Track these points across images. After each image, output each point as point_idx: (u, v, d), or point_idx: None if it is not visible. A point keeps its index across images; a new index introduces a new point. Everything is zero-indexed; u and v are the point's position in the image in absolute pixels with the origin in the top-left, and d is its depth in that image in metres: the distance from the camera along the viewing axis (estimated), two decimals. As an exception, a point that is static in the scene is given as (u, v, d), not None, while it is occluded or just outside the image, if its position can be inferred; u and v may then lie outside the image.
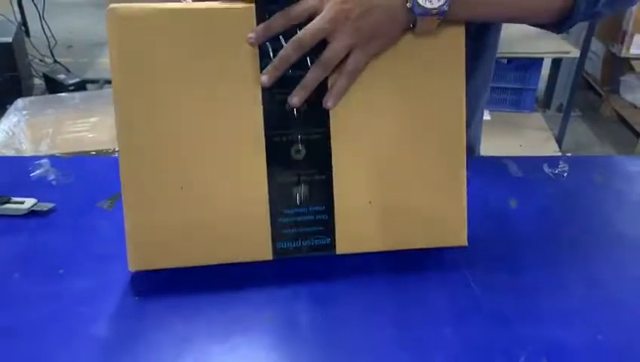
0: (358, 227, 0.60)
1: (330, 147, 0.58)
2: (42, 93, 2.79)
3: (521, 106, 2.61)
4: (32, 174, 0.77)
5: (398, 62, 0.57)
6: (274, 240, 0.59)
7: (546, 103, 2.87)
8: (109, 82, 2.87)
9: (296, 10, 0.54)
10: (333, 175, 0.58)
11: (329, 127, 0.57)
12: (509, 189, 0.74)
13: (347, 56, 0.55)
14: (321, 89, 0.56)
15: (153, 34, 0.54)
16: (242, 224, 0.58)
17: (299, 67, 0.55)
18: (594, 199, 0.74)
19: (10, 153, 1.48)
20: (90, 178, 0.77)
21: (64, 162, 0.79)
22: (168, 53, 0.54)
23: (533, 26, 0.64)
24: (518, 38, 2.54)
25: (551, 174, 0.78)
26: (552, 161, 0.80)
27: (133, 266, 0.58)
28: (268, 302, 0.56)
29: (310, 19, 0.54)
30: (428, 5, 0.53)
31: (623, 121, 2.76)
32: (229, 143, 0.56)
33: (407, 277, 0.59)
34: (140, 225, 0.57)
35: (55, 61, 3.07)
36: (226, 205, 0.58)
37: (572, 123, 2.56)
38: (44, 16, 3.05)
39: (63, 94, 2.03)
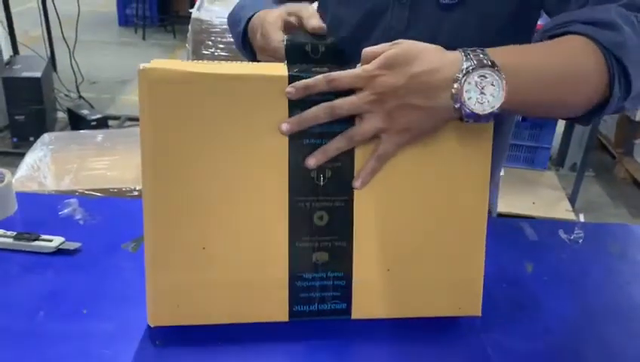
0: (375, 294, 0.60)
1: (352, 215, 0.58)
2: (65, 127, 2.86)
3: (535, 164, 2.63)
4: (60, 213, 0.79)
5: (427, 145, 0.58)
6: (291, 303, 0.59)
7: (559, 162, 2.88)
8: (130, 119, 2.94)
9: (342, 81, 0.55)
10: (354, 242, 0.59)
11: (353, 197, 0.58)
12: (525, 253, 0.75)
13: (378, 137, 0.56)
14: (347, 160, 0.57)
15: (184, 98, 0.54)
16: (261, 286, 0.59)
17: (326, 135, 0.56)
18: (609, 268, 0.75)
19: (34, 187, 1.51)
20: (116, 219, 0.79)
21: (92, 202, 0.82)
22: (198, 117, 0.55)
23: (565, 119, 0.65)
24: (533, 97, 2.58)
25: (567, 240, 0.79)
26: (568, 226, 0.82)
27: (152, 322, 0.59)
28: (283, 355, 0.57)
29: (351, 90, 0.55)
30: (478, 109, 0.53)
31: (637, 183, 2.76)
32: (253, 206, 0.57)
33: (422, 341, 0.60)
34: (160, 283, 0.58)
35: (80, 96, 3.15)
36: (247, 267, 0.58)
37: (585, 183, 2.57)
38: (74, 52, 3.16)
39: (87, 131, 2.09)
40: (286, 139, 0.56)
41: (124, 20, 4.79)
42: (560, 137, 2.86)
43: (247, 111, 0.55)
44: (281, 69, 0.56)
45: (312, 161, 0.56)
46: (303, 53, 0.59)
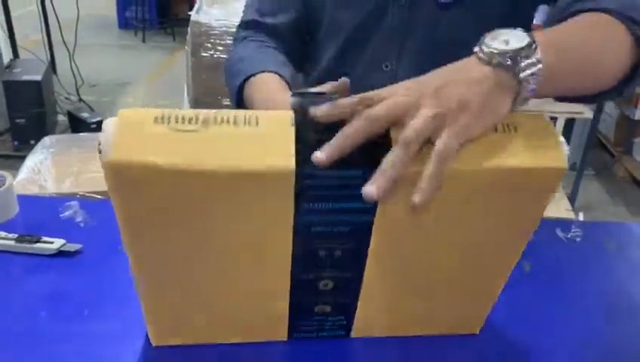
0: (376, 324, 0.59)
1: (361, 283, 0.53)
2: (65, 130, 2.87)
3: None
4: (61, 215, 0.80)
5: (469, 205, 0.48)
6: (290, 331, 0.58)
7: (559, 161, 2.89)
8: (130, 122, 2.95)
9: (377, 115, 0.44)
10: (360, 299, 0.55)
11: (363, 271, 0.52)
12: (523, 252, 0.76)
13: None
14: (363, 239, 0.49)
15: (158, 194, 0.44)
16: (260, 323, 0.57)
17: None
18: (607, 266, 0.75)
19: (35, 190, 1.52)
20: (116, 221, 0.79)
21: (92, 205, 0.82)
22: (180, 212, 0.45)
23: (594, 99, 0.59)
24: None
25: (564, 238, 0.80)
26: (565, 225, 0.82)
27: (155, 342, 0.58)
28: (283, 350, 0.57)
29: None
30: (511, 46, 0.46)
31: (636, 182, 2.76)
32: (252, 274, 0.52)
33: (420, 341, 0.60)
34: (155, 311, 0.55)
35: (80, 99, 3.16)
36: (246, 318, 0.56)
37: (585, 182, 2.57)
38: (73, 55, 3.16)
39: (87, 134, 2.10)
40: (290, 230, 0.48)
41: (124, 23, 4.80)
42: (561, 130, 2.87)
43: (241, 207, 0.45)
44: (285, 151, 0.43)
45: (372, 191, 0.42)
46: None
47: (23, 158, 1.80)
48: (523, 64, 0.46)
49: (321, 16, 0.84)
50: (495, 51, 0.46)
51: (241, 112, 0.45)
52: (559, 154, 0.47)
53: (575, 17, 0.56)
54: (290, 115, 0.45)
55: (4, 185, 0.78)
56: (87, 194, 1.47)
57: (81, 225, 0.78)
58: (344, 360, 0.59)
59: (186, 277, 0.51)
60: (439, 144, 0.43)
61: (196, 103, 1.70)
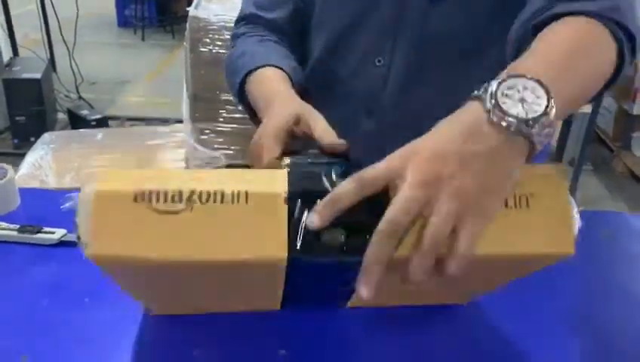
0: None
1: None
2: (65, 128, 2.88)
3: (533, 159, 2.64)
4: (61, 206, 0.80)
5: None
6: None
7: (558, 157, 2.90)
8: (130, 119, 2.96)
9: (369, 178, 0.41)
10: None
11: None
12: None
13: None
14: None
15: (146, 274, 0.44)
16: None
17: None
18: (603, 254, 0.76)
19: (36, 185, 1.53)
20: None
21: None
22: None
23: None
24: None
25: (559, 227, 0.80)
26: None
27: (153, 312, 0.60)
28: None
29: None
30: (522, 113, 0.42)
31: (635, 177, 2.77)
32: (244, 301, 0.57)
33: (416, 326, 0.61)
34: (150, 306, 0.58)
35: (80, 97, 3.17)
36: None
37: (584, 177, 2.58)
38: (73, 53, 3.17)
39: (87, 130, 2.11)
40: (281, 286, 0.47)
41: (124, 21, 4.81)
42: (558, 132, 2.87)
43: (230, 280, 0.46)
44: (277, 236, 0.41)
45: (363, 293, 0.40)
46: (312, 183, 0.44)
47: (23, 156, 1.81)
48: (541, 130, 0.42)
49: (312, 8, 0.85)
50: (512, 120, 0.41)
51: (229, 185, 0.41)
52: (570, 238, 0.46)
53: (560, 29, 0.54)
54: (283, 186, 0.42)
55: (5, 177, 0.79)
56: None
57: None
58: (333, 330, 0.60)
59: (177, 302, 0.54)
60: (462, 243, 0.40)
61: (195, 99, 1.70)
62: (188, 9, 1.58)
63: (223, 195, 0.40)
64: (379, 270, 0.39)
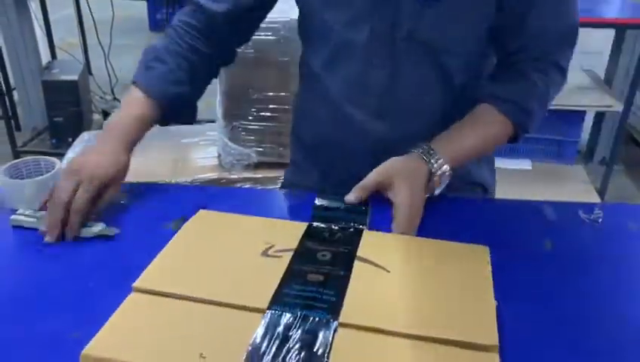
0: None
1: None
2: (100, 128, 2.96)
3: (563, 158, 2.62)
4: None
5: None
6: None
7: (588, 156, 2.86)
8: (162, 120, 3.03)
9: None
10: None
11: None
12: (544, 232, 0.78)
13: None
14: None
15: None
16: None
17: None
18: (626, 245, 0.77)
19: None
20: (154, 202, 0.85)
21: (133, 186, 0.88)
22: None
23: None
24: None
25: (586, 219, 0.82)
26: (588, 207, 0.84)
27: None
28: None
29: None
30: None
31: (668, 177, 2.72)
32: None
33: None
34: None
35: (114, 98, 3.26)
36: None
37: (615, 177, 2.55)
38: (109, 56, 3.27)
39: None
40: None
41: (155, 25, 4.91)
42: (589, 131, 2.84)
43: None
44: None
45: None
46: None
47: (61, 156, 1.88)
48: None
49: (311, 17, 0.86)
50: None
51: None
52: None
53: (481, 122, 0.83)
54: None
55: (53, 169, 0.84)
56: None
57: (123, 203, 0.83)
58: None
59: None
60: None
61: (228, 97, 1.75)
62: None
63: None
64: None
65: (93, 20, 3.20)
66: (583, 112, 2.55)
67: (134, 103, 0.86)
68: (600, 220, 0.81)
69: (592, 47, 2.92)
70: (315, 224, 0.68)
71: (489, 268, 0.61)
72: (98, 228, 0.76)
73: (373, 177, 0.77)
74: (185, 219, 0.74)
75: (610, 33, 2.72)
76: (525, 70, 0.82)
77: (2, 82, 2.74)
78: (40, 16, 3.15)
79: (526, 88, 0.82)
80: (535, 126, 0.85)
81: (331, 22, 0.82)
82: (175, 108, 0.88)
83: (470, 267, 0.61)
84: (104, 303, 0.59)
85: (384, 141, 0.85)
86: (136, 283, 0.58)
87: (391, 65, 0.81)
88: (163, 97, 0.86)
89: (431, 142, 0.79)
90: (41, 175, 0.82)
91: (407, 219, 0.73)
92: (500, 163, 2.65)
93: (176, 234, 0.67)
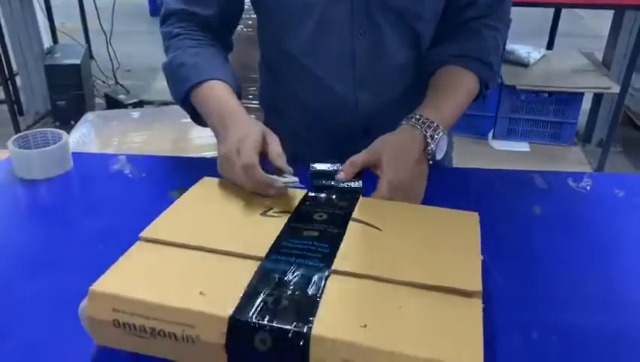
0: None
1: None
2: (102, 113, 3.00)
3: (561, 139, 2.64)
4: (110, 167, 0.88)
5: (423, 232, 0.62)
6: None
7: (586, 138, 2.89)
8: (164, 103, 3.06)
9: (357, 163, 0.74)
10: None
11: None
12: (534, 198, 0.81)
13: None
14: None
15: None
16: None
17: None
18: (612, 208, 0.80)
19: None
20: (160, 173, 0.88)
21: (138, 159, 0.91)
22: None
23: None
24: (558, 74, 2.59)
25: (575, 187, 0.84)
26: (577, 176, 0.87)
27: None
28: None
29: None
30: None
31: (666, 158, 2.75)
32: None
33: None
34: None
35: (116, 82, 3.28)
36: None
37: (612, 158, 2.57)
38: (110, 41, 3.29)
39: (125, 110, 2.21)
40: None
41: (155, 10, 4.92)
42: (587, 113, 2.86)
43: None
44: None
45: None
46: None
47: (65, 136, 1.92)
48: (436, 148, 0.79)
49: (309, 13, 0.85)
50: (431, 151, 0.78)
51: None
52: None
53: (451, 84, 0.86)
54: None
55: (60, 141, 0.87)
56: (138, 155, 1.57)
57: (129, 176, 0.86)
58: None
59: None
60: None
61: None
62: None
63: (174, 336, 0.50)
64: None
65: (95, 5, 3.22)
66: (581, 94, 2.57)
67: (218, 95, 0.80)
68: (588, 188, 0.84)
69: (592, 31, 2.92)
70: (312, 194, 0.71)
71: (478, 229, 0.64)
72: (291, 179, 0.73)
73: (362, 155, 0.75)
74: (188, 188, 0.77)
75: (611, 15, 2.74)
76: (477, 28, 0.87)
77: (5, 67, 2.76)
78: (42, 1, 3.17)
79: (482, 44, 0.87)
80: (496, 79, 0.90)
81: (336, 17, 0.84)
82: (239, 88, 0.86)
83: (460, 229, 0.63)
84: (112, 263, 0.62)
85: (370, 111, 0.89)
86: (143, 233, 0.61)
87: (370, 35, 0.84)
88: (232, 79, 0.84)
89: (418, 110, 0.80)
90: (48, 146, 0.85)
91: (383, 197, 0.71)
92: (498, 144, 2.71)
93: (180, 196, 0.71)
